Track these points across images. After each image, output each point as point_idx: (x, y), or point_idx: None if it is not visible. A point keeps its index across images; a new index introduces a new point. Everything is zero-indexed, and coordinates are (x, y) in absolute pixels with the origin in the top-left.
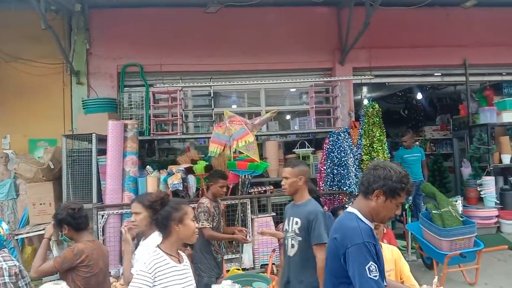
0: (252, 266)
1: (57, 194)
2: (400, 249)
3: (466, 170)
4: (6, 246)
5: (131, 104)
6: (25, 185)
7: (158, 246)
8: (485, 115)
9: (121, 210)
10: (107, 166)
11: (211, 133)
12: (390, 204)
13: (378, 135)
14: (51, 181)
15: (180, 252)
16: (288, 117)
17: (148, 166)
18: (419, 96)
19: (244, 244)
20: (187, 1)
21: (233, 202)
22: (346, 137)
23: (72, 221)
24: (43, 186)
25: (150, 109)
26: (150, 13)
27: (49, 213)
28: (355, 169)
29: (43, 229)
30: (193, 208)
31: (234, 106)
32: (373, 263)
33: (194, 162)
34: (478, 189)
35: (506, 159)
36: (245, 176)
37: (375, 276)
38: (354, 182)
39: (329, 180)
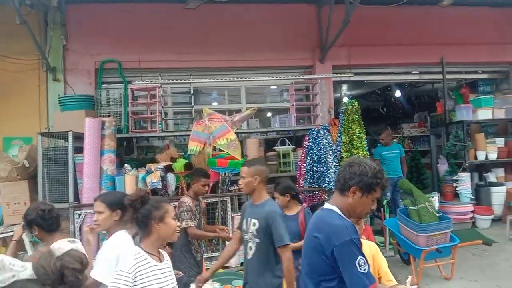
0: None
1: (32, 193)
2: (378, 245)
3: (443, 167)
4: None
5: (109, 101)
6: None
7: (138, 245)
8: (461, 112)
9: None
10: (84, 164)
11: (191, 130)
12: (366, 199)
13: (358, 132)
14: (26, 180)
15: (161, 250)
16: (268, 114)
17: (126, 165)
18: (398, 94)
19: (227, 242)
20: None
21: (213, 200)
22: (326, 134)
23: (43, 222)
24: (18, 185)
25: (129, 106)
26: (128, 8)
27: None
28: (334, 166)
29: None
30: (174, 207)
31: (214, 103)
32: (362, 257)
33: (173, 160)
34: (454, 185)
35: (481, 156)
36: (225, 174)
37: (365, 270)
38: (334, 179)
39: (308, 177)
